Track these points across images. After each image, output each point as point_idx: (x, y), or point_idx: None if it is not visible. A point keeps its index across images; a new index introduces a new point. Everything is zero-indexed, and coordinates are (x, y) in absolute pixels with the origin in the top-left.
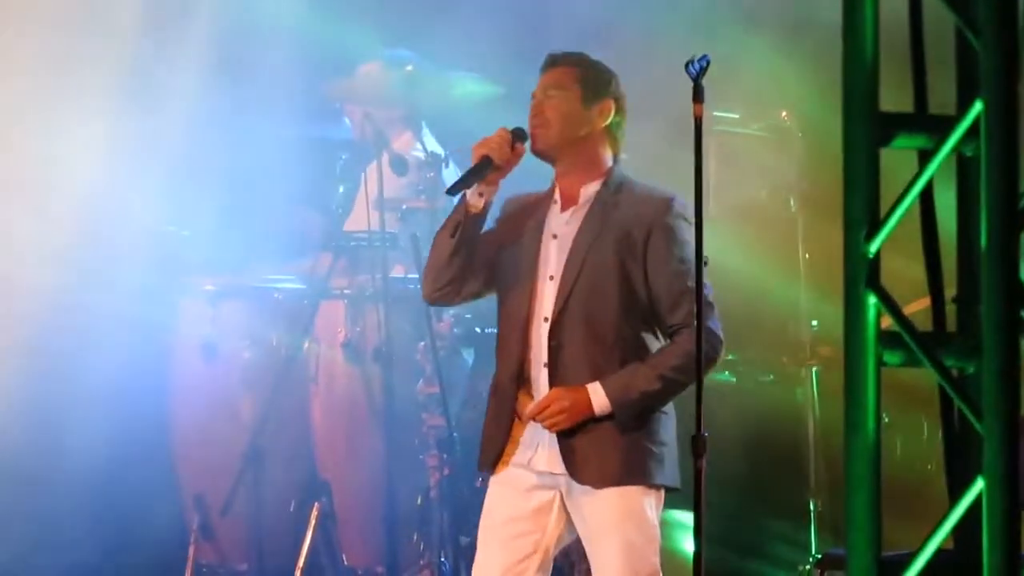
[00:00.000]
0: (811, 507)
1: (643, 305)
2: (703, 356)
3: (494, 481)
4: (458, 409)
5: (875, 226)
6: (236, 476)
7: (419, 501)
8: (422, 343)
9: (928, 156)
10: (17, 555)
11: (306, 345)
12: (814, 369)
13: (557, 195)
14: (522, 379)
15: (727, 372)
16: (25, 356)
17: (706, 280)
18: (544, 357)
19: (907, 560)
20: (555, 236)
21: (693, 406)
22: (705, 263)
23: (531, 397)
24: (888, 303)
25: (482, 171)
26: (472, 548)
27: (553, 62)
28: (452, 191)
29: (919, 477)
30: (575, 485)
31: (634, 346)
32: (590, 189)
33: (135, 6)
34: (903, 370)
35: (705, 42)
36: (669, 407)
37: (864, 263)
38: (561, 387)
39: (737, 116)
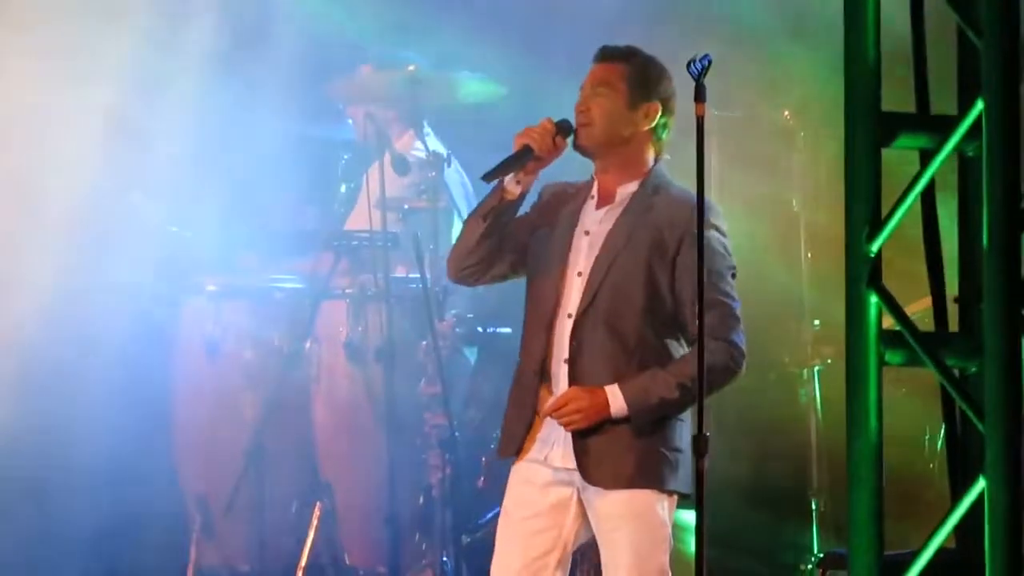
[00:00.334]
0: (813, 506)
1: (667, 310)
2: (724, 369)
3: (514, 479)
4: (460, 409)
5: (877, 226)
6: (238, 476)
7: (421, 500)
8: (424, 343)
9: (929, 156)
10: (19, 555)
11: (308, 345)
12: (816, 368)
13: (595, 190)
14: (544, 373)
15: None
16: (26, 356)
17: (733, 292)
18: (565, 353)
19: (909, 559)
20: (587, 232)
21: (695, 406)
22: (733, 275)
23: (550, 392)
24: (889, 302)
25: (521, 160)
26: (474, 547)
27: (604, 56)
28: (488, 178)
29: (921, 476)
30: (590, 486)
31: (655, 350)
32: (627, 189)
33: (136, 6)
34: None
35: (707, 41)
36: (685, 414)
37: (866, 262)
38: (580, 386)
39: (739, 116)
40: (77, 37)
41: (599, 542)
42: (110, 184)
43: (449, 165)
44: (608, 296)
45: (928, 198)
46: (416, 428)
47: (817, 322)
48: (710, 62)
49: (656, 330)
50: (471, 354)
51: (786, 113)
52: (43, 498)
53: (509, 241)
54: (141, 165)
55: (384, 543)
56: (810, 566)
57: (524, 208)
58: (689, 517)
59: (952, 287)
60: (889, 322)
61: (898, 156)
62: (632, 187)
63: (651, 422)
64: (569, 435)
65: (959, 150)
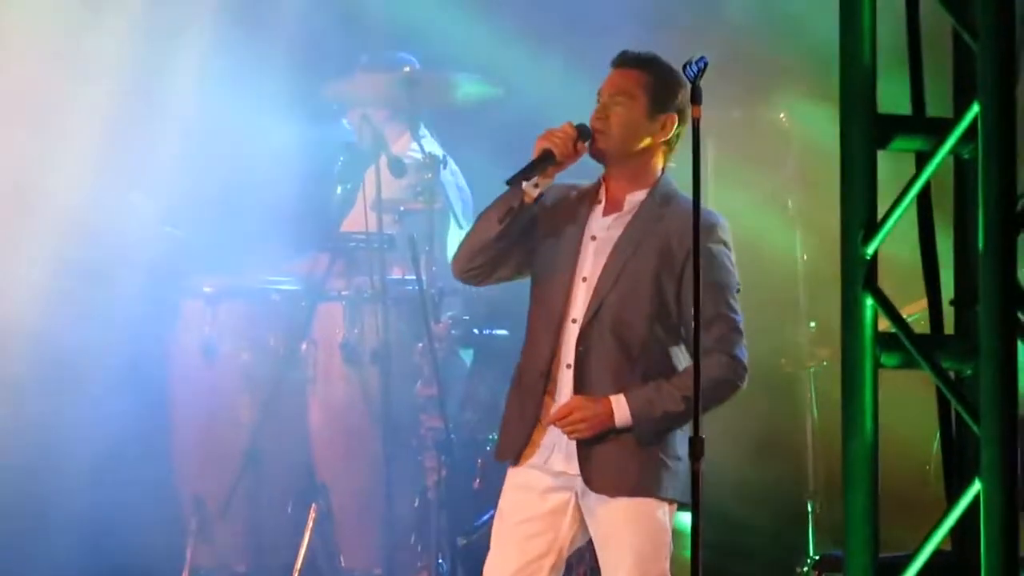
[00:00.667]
0: (809, 508)
1: (673, 320)
2: (726, 384)
3: (510, 482)
4: (456, 411)
5: (872, 228)
6: (234, 477)
7: (417, 503)
8: (420, 345)
9: (925, 158)
10: (16, 555)
11: (304, 347)
12: (812, 370)
13: (602, 195)
14: (548, 378)
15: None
16: (23, 357)
17: (738, 307)
18: (569, 359)
19: (905, 562)
20: (594, 238)
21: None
22: (738, 290)
23: (553, 398)
24: (885, 305)
25: (543, 164)
26: (470, 549)
27: (625, 62)
28: (512, 182)
29: (917, 479)
30: (591, 492)
31: (660, 359)
32: (636, 197)
33: (134, 6)
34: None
35: (704, 42)
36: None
37: (861, 264)
38: (585, 395)
39: (735, 117)
40: (75, 37)
41: (598, 547)
42: (107, 185)
43: (445, 167)
44: (615, 304)
45: (924, 200)
46: (412, 430)
47: (813, 324)
48: (706, 64)
49: (661, 339)
50: (467, 356)
51: (782, 115)
52: (39, 499)
53: (518, 249)
54: (138, 166)
55: (380, 545)
56: (806, 568)
57: None
58: (685, 520)
59: (948, 290)
60: (885, 324)
61: (894, 158)
62: (641, 195)
63: (653, 434)
64: (572, 442)
65: (955, 152)
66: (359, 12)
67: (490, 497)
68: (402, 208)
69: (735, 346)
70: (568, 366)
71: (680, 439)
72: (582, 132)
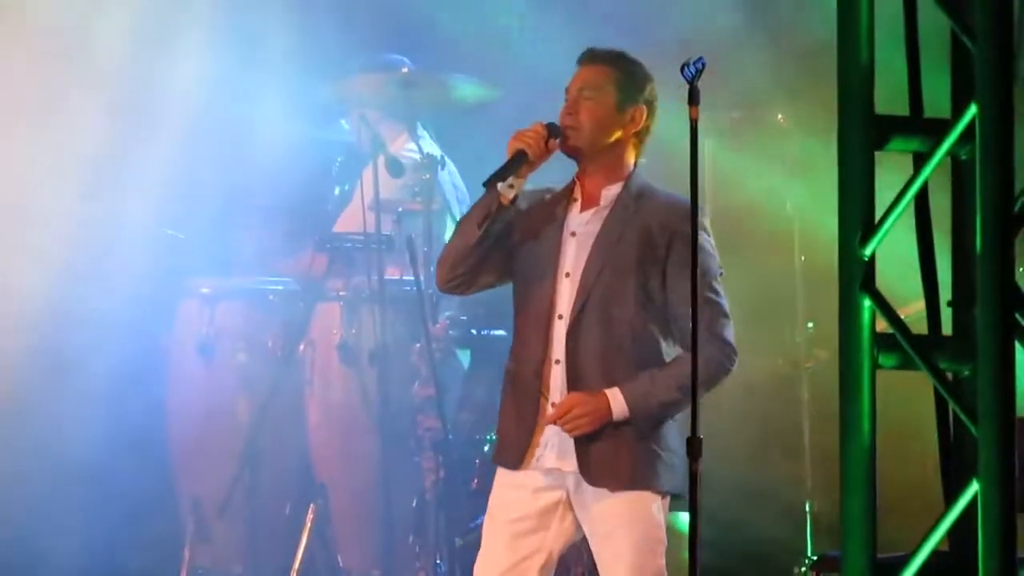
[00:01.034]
0: (807, 509)
1: (659, 309)
2: (718, 367)
3: (500, 481)
4: (453, 411)
5: (870, 229)
6: (232, 478)
7: (415, 503)
8: (417, 345)
9: (923, 159)
10: (14, 556)
11: (302, 347)
12: (810, 371)
13: (578, 193)
14: (541, 378)
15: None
16: (21, 359)
17: (722, 291)
18: (559, 355)
19: (903, 562)
20: (573, 234)
21: (688, 408)
22: (721, 274)
23: (545, 397)
24: (883, 306)
25: (516, 164)
26: (467, 550)
27: (592, 58)
28: (488, 184)
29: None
30: (584, 484)
31: (649, 349)
32: (611, 191)
33: (133, 7)
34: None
35: (701, 44)
36: (677, 415)
37: (859, 265)
38: (581, 392)
39: (733, 118)
40: (73, 38)
41: (593, 544)
42: (105, 186)
43: (443, 167)
44: (601, 297)
45: (922, 201)
46: (410, 431)
47: (811, 324)
48: (704, 65)
49: (649, 329)
50: (465, 357)
51: (780, 116)
52: (37, 500)
53: (498, 255)
54: (136, 167)
55: (378, 545)
56: (804, 568)
57: None
58: (683, 520)
59: (946, 290)
60: (883, 325)
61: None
62: (616, 189)
63: (651, 424)
64: (565, 437)
65: (953, 153)
66: (358, 13)
67: (488, 498)
68: (400, 209)
69: (723, 329)
70: (558, 362)
71: (674, 432)
72: (552, 130)
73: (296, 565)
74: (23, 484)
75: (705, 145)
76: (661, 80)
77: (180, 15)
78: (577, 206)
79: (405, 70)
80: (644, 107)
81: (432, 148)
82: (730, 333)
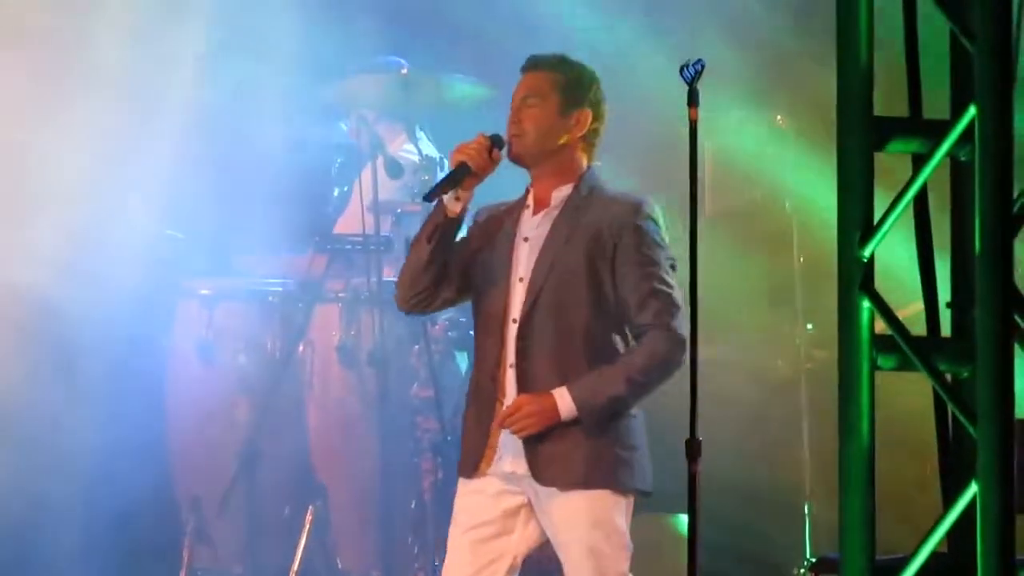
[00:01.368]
0: (806, 510)
1: (612, 307)
2: (666, 359)
3: (462, 489)
4: (452, 413)
5: (869, 230)
6: (231, 479)
7: (413, 504)
8: (416, 347)
9: (922, 161)
10: (12, 557)
11: (301, 348)
12: (809, 372)
13: (530, 199)
14: (497, 383)
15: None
16: (21, 359)
17: (673, 282)
18: (512, 358)
19: (902, 564)
20: (526, 239)
21: (687, 410)
22: (672, 267)
23: (502, 403)
24: (881, 307)
25: (459, 177)
26: None
27: (533, 65)
28: (429, 197)
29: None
30: (542, 488)
31: (603, 348)
32: (562, 192)
33: (131, 9)
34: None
35: (700, 43)
36: (637, 410)
37: (858, 267)
38: (528, 393)
39: (732, 119)
40: (72, 39)
41: (556, 550)
42: (104, 187)
43: (442, 168)
44: (551, 298)
45: (921, 203)
46: (408, 432)
47: (810, 326)
48: (703, 67)
49: (602, 327)
50: (463, 358)
51: (779, 117)
52: (36, 500)
53: (453, 264)
54: (136, 167)
55: (377, 547)
56: (803, 570)
57: (461, 232)
58: (682, 521)
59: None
60: (882, 326)
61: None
62: (566, 190)
63: (602, 420)
64: (519, 441)
65: (952, 155)
66: (357, 13)
67: None
68: (399, 210)
69: (672, 321)
70: (511, 366)
71: (633, 427)
72: (496, 141)
73: (295, 566)
74: (23, 483)
75: (705, 146)
76: (659, 79)
77: (179, 16)
78: (529, 211)
79: (404, 71)
80: (589, 110)
81: (430, 149)
82: (680, 324)
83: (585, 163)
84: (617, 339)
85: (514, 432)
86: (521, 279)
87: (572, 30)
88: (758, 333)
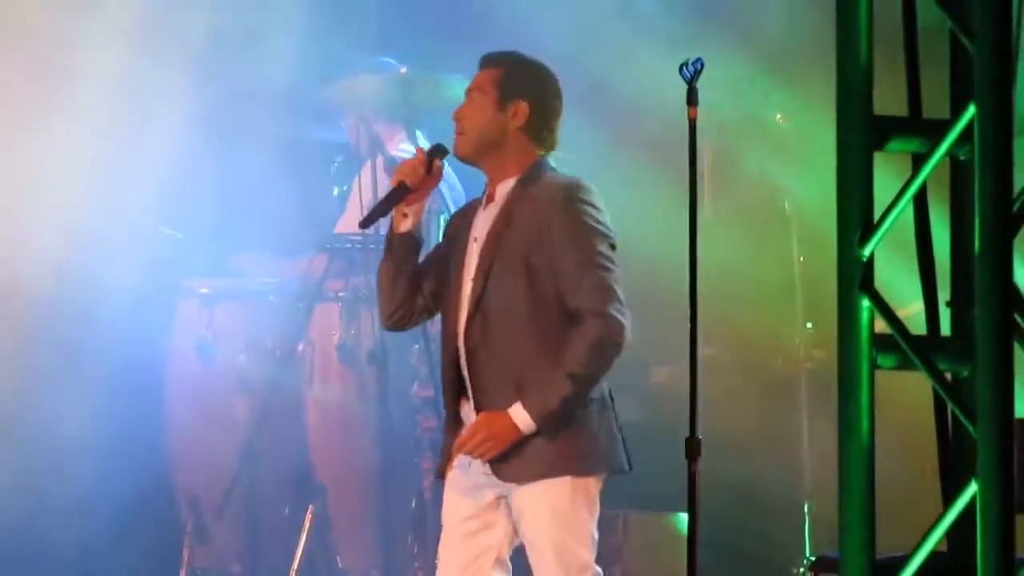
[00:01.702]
0: (805, 509)
1: (551, 293)
2: (599, 343)
3: (447, 486)
4: None
5: (869, 229)
6: (231, 478)
7: (413, 503)
8: (416, 346)
9: (922, 160)
10: (11, 556)
11: (301, 348)
12: (808, 371)
13: (484, 196)
14: (454, 384)
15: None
16: (20, 359)
17: (609, 264)
18: (463, 360)
19: (901, 563)
20: (476, 239)
21: (687, 409)
22: (611, 246)
23: (468, 399)
24: (881, 306)
25: (393, 199)
26: None
27: (482, 63)
28: (364, 224)
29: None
30: (506, 485)
31: (551, 340)
32: (506, 187)
33: (129, 8)
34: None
35: (699, 43)
36: (597, 393)
37: (858, 266)
38: (485, 414)
39: (732, 118)
40: (70, 38)
41: (525, 546)
42: (104, 187)
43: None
44: (493, 296)
45: (920, 202)
46: (409, 431)
47: (810, 325)
48: (703, 66)
49: (547, 319)
50: None
51: (778, 116)
52: (35, 500)
53: (427, 277)
54: (135, 167)
55: (376, 546)
56: (802, 569)
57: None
58: (682, 520)
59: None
60: (881, 325)
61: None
62: (511, 184)
63: (563, 420)
64: None
65: (951, 154)
66: (356, 14)
67: None
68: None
69: (607, 304)
70: (465, 368)
71: (590, 414)
72: (436, 151)
73: (295, 565)
74: (22, 482)
75: (704, 145)
76: (657, 79)
77: (177, 15)
78: (483, 208)
79: (403, 71)
80: (527, 102)
81: None
82: (616, 307)
83: (531, 156)
84: (563, 328)
85: (475, 457)
86: (472, 279)
87: (572, 30)
88: (758, 333)
